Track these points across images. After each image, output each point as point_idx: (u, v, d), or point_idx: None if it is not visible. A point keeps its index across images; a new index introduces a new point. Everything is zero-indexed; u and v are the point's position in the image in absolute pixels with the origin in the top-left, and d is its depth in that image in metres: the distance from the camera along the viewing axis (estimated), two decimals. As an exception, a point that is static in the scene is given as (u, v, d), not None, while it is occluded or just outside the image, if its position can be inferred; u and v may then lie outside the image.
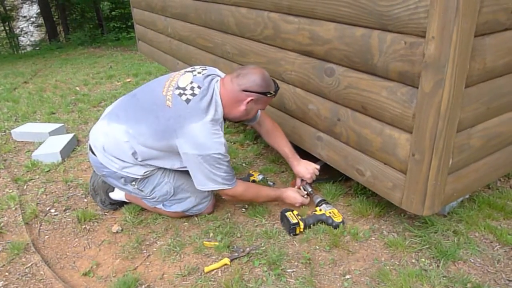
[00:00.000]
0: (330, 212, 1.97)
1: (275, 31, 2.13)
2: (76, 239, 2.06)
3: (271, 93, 1.88)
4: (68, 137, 3.25)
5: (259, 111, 2.08)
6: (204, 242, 1.89)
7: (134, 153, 1.90)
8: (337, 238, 1.86)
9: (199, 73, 1.92)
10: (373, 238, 1.87)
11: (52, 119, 3.95)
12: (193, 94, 1.81)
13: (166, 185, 2.01)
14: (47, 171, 2.84)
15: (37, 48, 12.95)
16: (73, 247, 2.01)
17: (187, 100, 1.80)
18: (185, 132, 1.77)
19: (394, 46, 1.49)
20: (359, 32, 1.62)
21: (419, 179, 1.57)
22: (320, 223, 1.96)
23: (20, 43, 16.19)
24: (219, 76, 1.98)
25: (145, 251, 1.91)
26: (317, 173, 2.16)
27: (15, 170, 2.93)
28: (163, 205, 2.05)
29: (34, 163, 2.94)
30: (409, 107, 1.50)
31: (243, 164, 2.70)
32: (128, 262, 1.85)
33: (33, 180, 2.73)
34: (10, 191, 2.58)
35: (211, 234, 1.96)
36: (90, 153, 2.03)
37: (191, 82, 1.86)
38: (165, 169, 2.00)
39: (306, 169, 2.15)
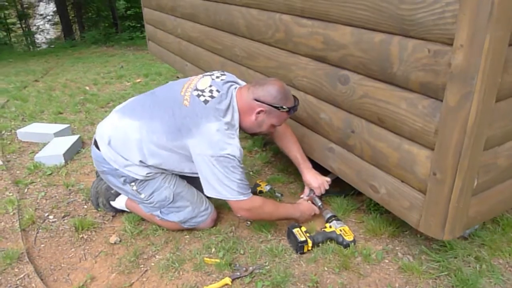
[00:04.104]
0: (340, 230, 1.83)
1: (287, 34, 2.00)
2: (73, 249, 1.96)
3: (283, 108, 1.77)
4: (73, 139, 3.17)
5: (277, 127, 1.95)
6: (205, 258, 1.77)
7: (142, 153, 1.81)
8: (347, 259, 1.72)
9: (217, 77, 1.88)
10: (387, 261, 1.73)
11: (58, 119, 3.88)
12: (212, 97, 1.76)
13: (166, 190, 1.90)
14: (49, 174, 2.76)
15: (52, 46, 13.01)
16: (68, 258, 1.91)
17: (205, 101, 1.75)
18: (201, 132, 1.70)
19: (416, 54, 1.35)
20: (378, 38, 1.49)
21: (439, 200, 1.43)
22: (329, 241, 1.83)
23: (36, 40, 16.32)
24: (238, 84, 1.93)
25: (142, 265, 1.80)
26: (327, 186, 2.03)
27: (18, 172, 2.85)
28: (160, 212, 1.94)
29: (37, 165, 2.87)
30: (431, 122, 1.36)
31: (251, 173, 2.58)
32: (124, 277, 1.74)
33: (34, 183, 2.65)
34: (10, 194, 2.50)
35: (213, 250, 1.84)
36: (94, 147, 1.94)
37: (210, 86, 1.81)
38: (167, 174, 1.91)
39: (316, 179, 2.03)
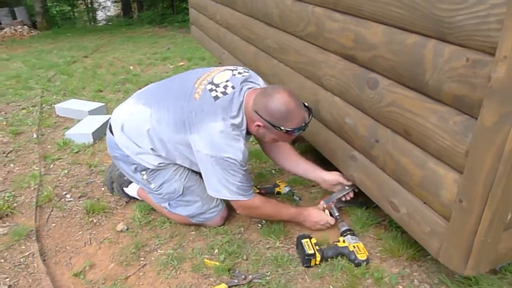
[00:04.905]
0: (354, 246, 1.68)
1: (318, 28, 1.85)
2: (80, 232, 1.96)
3: (281, 129, 1.57)
4: (105, 118, 3.19)
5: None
6: (205, 259, 1.69)
7: (152, 142, 1.76)
8: (356, 279, 1.57)
9: (239, 73, 1.76)
10: (400, 287, 1.56)
11: (97, 97, 3.95)
12: (224, 93, 1.65)
13: (176, 182, 1.84)
14: (76, 152, 2.80)
15: (109, 23, 13.41)
16: (74, 241, 1.90)
17: (216, 97, 1.64)
18: (203, 129, 1.60)
19: (452, 62, 1.17)
20: (411, 40, 1.31)
21: (464, 231, 1.24)
22: (340, 256, 1.68)
23: (97, 17, 16.91)
24: (257, 84, 1.78)
25: (142, 258, 1.75)
26: (351, 195, 1.91)
27: (49, 146, 2.92)
28: (168, 204, 1.88)
29: (66, 142, 2.92)
30: (462, 142, 1.18)
31: (273, 171, 2.46)
32: (122, 269, 1.70)
33: (60, 160, 2.70)
34: (36, 168, 2.55)
35: (216, 251, 1.76)
36: (108, 131, 1.91)
37: (227, 81, 1.70)
38: (179, 166, 1.84)
39: (339, 175, 1.90)
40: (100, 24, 14.40)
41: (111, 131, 1.88)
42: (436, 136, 1.27)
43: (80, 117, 3.33)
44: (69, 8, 16.08)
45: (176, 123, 1.66)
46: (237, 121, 1.61)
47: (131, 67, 5.26)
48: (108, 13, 17.78)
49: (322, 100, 1.93)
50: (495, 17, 1.01)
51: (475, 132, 1.13)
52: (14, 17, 9.87)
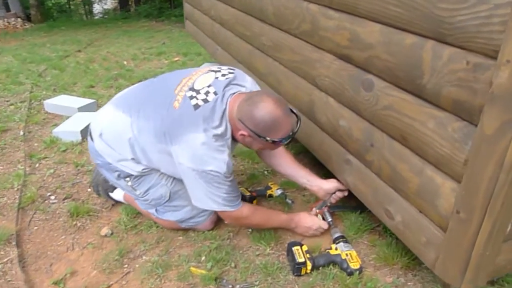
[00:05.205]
0: (347, 254, 1.62)
1: (313, 26, 1.77)
2: (63, 236, 1.88)
3: (267, 140, 1.48)
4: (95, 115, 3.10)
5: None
6: (192, 267, 1.62)
7: (133, 152, 1.67)
8: (348, 290, 1.51)
9: (223, 75, 1.63)
10: (395, 298, 1.50)
11: (88, 93, 3.86)
12: (205, 101, 1.53)
13: (162, 188, 1.76)
14: (63, 150, 2.72)
15: (105, 16, 13.25)
16: (56, 246, 1.83)
17: (196, 106, 1.53)
18: (184, 141, 1.50)
19: (451, 65, 1.09)
20: (409, 40, 1.24)
21: (461, 243, 1.18)
22: (332, 265, 1.62)
23: (94, 10, 16.70)
24: (243, 87, 1.65)
25: (126, 265, 1.68)
26: (345, 193, 1.83)
27: (35, 144, 2.84)
28: (156, 210, 1.80)
29: (53, 139, 2.84)
30: (461, 149, 1.11)
31: (265, 172, 2.39)
32: (104, 276, 1.63)
33: (46, 159, 2.61)
34: (21, 167, 2.47)
35: (203, 258, 1.69)
36: (89, 138, 1.83)
37: (209, 86, 1.58)
38: None
39: (330, 182, 1.82)
40: (97, 17, 14.24)
41: (92, 138, 1.80)
42: (434, 143, 1.20)
43: (70, 114, 3.24)
44: (65, 0, 15.88)
45: (157, 134, 1.57)
46: (219, 130, 1.51)
47: (125, 62, 5.16)
48: (105, 6, 17.57)
49: (316, 101, 1.86)
50: (498, 18, 0.93)
51: (475, 140, 1.06)
52: (8, 9, 9.73)
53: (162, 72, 4.57)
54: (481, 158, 1.05)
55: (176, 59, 5.35)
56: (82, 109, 3.32)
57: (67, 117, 3.17)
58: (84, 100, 3.50)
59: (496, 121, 1.00)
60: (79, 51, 5.94)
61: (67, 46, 6.34)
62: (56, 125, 3.08)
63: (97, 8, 17.12)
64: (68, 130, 2.88)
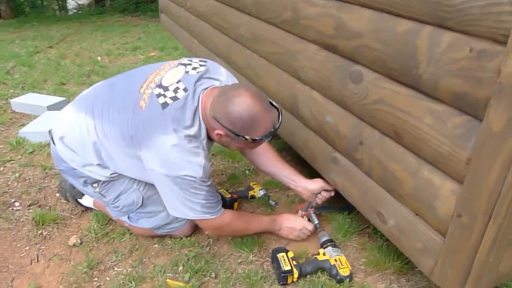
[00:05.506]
0: (336, 260, 1.50)
1: (295, 14, 1.64)
2: (27, 247, 1.71)
3: (246, 138, 1.33)
4: (65, 114, 2.91)
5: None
6: (168, 280, 1.48)
7: (99, 157, 1.52)
8: (339, 299, 1.40)
9: (194, 69, 1.47)
10: (388, 306, 1.40)
11: (58, 91, 3.65)
12: (175, 98, 1.38)
13: (134, 193, 1.61)
14: (31, 152, 2.53)
15: (79, 12, 12.86)
16: (20, 258, 1.66)
17: (164, 105, 1.37)
18: (153, 144, 1.35)
19: (452, 53, 0.98)
20: (403, 27, 1.12)
21: (463, 249, 1.07)
22: (320, 272, 1.50)
23: (68, 6, 16.21)
24: (216, 80, 1.49)
25: (96, 279, 1.53)
26: (332, 193, 1.72)
27: (0, 146, 2.63)
28: (128, 217, 1.66)
29: (20, 141, 2.64)
30: (463, 147, 1.00)
31: (246, 172, 2.26)
32: (72, 292, 1.47)
33: (12, 162, 2.42)
34: (-16, 172, 2.28)
35: (180, 268, 1.55)
36: (51, 142, 1.66)
37: (178, 81, 1.42)
38: None
39: (315, 183, 1.70)
40: (71, 13, 13.81)
41: (53, 141, 1.64)
42: (431, 140, 1.09)
43: (38, 113, 3.05)
44: (38, -5, 15.35)
45: (124, 138, 1.42)
46: (192, 131, 1.35)
47: (99, 58, 4.95)
48: (80, 2, 17.07)
49: (300, 95, 1.73)
50: (508, -3, 0.82)
51: (479, 137, 0.95)
52: (-24, 5, 9.31)
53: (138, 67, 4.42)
54: (486, 157, 0.94)
55: (152, 54, 5.17)
56: (51, 107, 3.13)
57: (36, 117, 2.98)
58: (53, 98, 3.31)
59: (503, 116, 0.89)
60: (51, 47, 5.67)
61: (38, 42, 6.06)
62: (23, 125, 2.88)
63: (71, 3, 16.61)
64: (35, 131, 2.69)
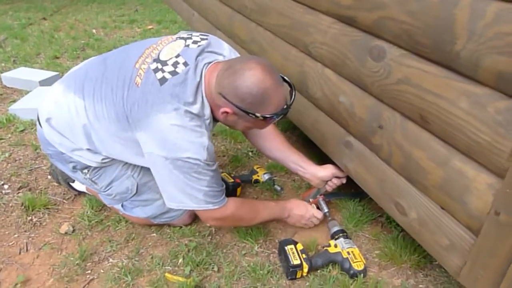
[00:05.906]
0: (348, 253, 1.39)
1: (307, -18, 1.48)
2: (16, 235, 1.60)
3: (256, 116, 1.20)
4: (58, 90, 2.76)
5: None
6: (167, 273, 1.37)
7: (90, 141, 1.39)
8: (352, 296, 1.29)
9: (194, 42, 1.32)
10: (405, 305, 1.29)
11: (52, 65, 3.48)
12: (174, 73, 1.23)
13: (128, 180, 1.49)
14: (21, 130, 2.39)
15: (75, -18, 12.43)
16: (8, 246, 1.55)
17: (162, 80, 1.22)
18: (150, 124, 1.21)
19: (499, 26, 0.83)
20: (436, -5, 0.97)
21: (499, 250, 0.95)
22: (332, 265, 1.40)
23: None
24: (219, 55, 1.35)
25: (89, 271, 1.42)
26: (344, 181, 1.60)
27: (-10, 123, 2.49)
28: (122, 205, 1.53)
29: (10, 118, 2.50)
30: (507, 137, 0.87)
31: (249, 153, 2.13)
32: (63, 285, 1.36)
33: (1, 140, 2.29)
34: (-29, 152, 2.15)
35: (180, 260, 1.44)
36: (38, 124, 1.53)
37: (178, 56, 1.27)
38: None
39: (326, 169, 1.58)
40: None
41: (40, 123, 1.50)
42: (466, 127, 0.96)
43: (30, 88, 2.90)
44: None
45: (119, 119, 1.28)
46: (195, 109, 1.21)
47: (94, 31, 4.75)
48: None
49: (310, 72, 1.59)
50: None
51: (527, 125, 0.82)
52: (-33, -26, 8.95)
53: (134, 42, 4.22)
54: (535, 147, 0.81)
55: (150, 27, 4.96)
56: (43, 82, 2.97)
57: (27, 92, 2.83)
58: (46, 72, 3.15)
59: (561, 101, 0.75)
60: (44, 19, 5.44)
61: (31, 13, 5.81)
62: (14, 101, 2.74)
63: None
64: (27, 107, 2.54)
